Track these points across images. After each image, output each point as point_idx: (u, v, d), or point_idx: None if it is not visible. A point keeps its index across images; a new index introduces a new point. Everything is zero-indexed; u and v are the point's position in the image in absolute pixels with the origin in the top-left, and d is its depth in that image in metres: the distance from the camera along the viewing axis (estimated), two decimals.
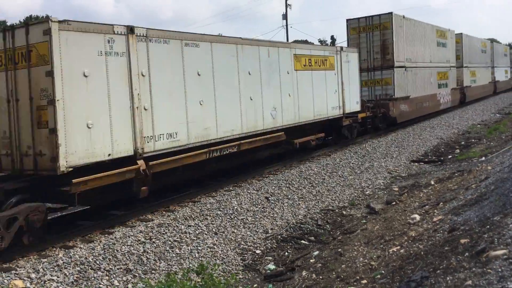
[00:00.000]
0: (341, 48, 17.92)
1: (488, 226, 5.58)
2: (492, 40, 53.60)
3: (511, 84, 55.98)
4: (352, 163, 15.67)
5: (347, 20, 23.77)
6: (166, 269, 7.69)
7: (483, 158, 14.05)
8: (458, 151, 18.30)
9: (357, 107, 18.72)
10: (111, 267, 7.45)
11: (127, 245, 8.13)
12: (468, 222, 6.49)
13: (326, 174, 14.10)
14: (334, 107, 16.64)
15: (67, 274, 7.02)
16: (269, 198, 11.48)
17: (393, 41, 22.77)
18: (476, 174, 11.24)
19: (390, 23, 22.76)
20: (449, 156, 17.15)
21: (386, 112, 21.45)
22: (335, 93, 16.72)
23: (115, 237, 8.35)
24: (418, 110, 25.47)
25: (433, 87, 28.10)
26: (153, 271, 7.57)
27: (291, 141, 14.51)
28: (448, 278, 4.48)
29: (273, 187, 12.26)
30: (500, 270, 4.08)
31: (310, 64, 15.25)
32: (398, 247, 7.22)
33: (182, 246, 8.46)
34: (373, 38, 23.08)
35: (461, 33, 36.74)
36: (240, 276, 7.95)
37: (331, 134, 17.79)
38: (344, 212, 11.26)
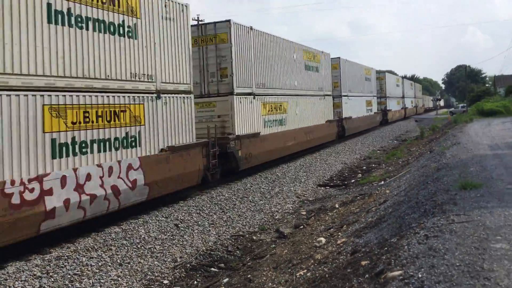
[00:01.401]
0: None
1: (386, 248, 5.89)
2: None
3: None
4: (263, 188, 15.90)
5: None
6: None
7: (382, 182, 14.96)
8: (360, 175, 19.34)
9: None
10: None
11: (21, 280, 7.47)
12: (368, 244, 6.81)
13: (237, 200, 14.14)
14: None
15: None
16: (179, 225, 11.23)
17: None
18: (376, 197, 11.92)
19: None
20: (352, 180, 18.05)
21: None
22: None
23: (7, 272, 7.63)
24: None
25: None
26: None
27: None
28: None
29: (183, 214, 12.03)
30: None
31: None
32: (305, 271, 7.37)
33: (83, 279, 7.93)
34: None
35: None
36: None
37: None
38: (254, 237, 11.31)
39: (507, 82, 64.15)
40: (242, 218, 12.65)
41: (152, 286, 8.31)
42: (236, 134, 16.50)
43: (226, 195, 14.37)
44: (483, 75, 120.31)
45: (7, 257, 8.27)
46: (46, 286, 7.48)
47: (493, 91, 65.62)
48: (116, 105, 10.66)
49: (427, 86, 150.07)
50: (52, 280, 7.70)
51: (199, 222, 11.72)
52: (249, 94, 17.96)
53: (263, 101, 19.03)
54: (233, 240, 11.08)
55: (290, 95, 21.90)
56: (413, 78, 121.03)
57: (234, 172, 16.68)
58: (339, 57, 31.82)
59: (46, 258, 8.32)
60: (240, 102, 17.14)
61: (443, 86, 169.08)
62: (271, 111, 19.84)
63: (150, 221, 11.08)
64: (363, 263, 5.75)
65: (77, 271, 8.12)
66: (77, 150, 9.51)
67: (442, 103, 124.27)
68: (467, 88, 69.48)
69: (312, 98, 24.92)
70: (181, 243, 10.35)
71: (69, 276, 7.91)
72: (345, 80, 32.77)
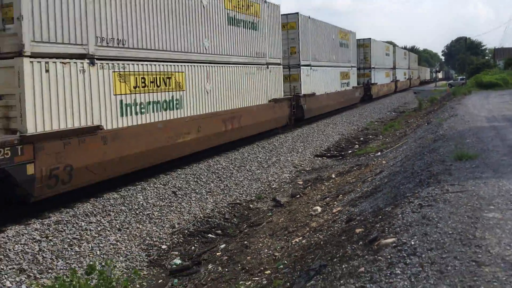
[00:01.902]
0: None
1: (380, 216, 5.99)
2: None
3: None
4: (260, 158, 15.99)
5: None
6: (64, 267, 7.29)
7: (379, 153, 15.05)
8: (357, 146, 19.44)
9: None
10: (2, 267, 6.90)
11: (21, 244, 7.59)
12: (363, 213, 6.92)
13: (234, 169, 14.24)
14: None
15: None
16: (177, 193, 11.34)
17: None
18: (372, 168, 12.02)
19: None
20: (349, 151, 18.15)
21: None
22: None
23: (7, 236, 7.74)
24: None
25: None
26: (49, 270, 7.14)
27: None
28: (343, 266, 4.75)
29: (181, 182, 12.13)
30: (389, 257, 4.40)
31: None
32: (301, 238, 7.51)
33: (82, 243, 8.07)
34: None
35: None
36: (145, 272, 7.78)
37: None
38: (251, 206, 11.46)
39: (507, 55, 63.69)
40: (239, 187, 12.77)
41: (151, 251, 8.46)
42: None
43: (224, 163, 14.46)
44: (483, 48, 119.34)
45: (6, 221, 8.38)
46: (45, 250, 7.60)
47: (492, 64, 65.21)
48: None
49: (427, 58, 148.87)
50: (52, 244, 7.82)
51: (197, 190, 11.83)
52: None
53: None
54: (230, 208, 11.22)
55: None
56: (413, 50, 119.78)
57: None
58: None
59: (45, 223, 8.43)
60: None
61: (443, 58, 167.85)
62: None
63: (148, 188, 11.18)
64: (358, 230, 5.86)
65: (76, 235, 8.25)
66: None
67: (440, 75, 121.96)
68: (466, 60, 69.02)
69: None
70: (179, 210, 10.48)
71: (68, 240, 8.04)
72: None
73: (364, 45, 40.69)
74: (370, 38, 41.54)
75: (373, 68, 41.89)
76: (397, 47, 61.69)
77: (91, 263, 6.69)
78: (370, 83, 41.06)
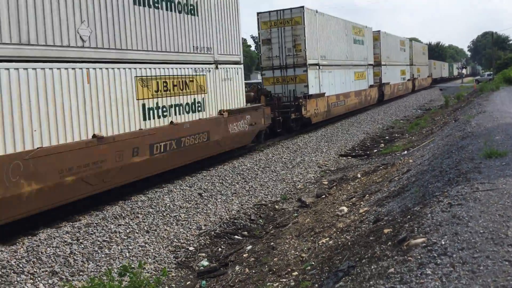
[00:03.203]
0: None
1: (409, 216, 5.92)
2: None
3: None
4: (284, 158, 15.98)
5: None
6: (95, 270, 7.44)
7: (405, 152, 14.85)
8: (382, 145, 19.23)
9: None
10: (35, 270, 7.09)
11: (53, 247, 7.77)
12: (391, 212, 6.84)
13: (259, 169, 14.27)
14: None
15: None
16: (203, 194, 11.43)
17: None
18: (399, 167, 11.87)
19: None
20: (375, 150, 17.97)
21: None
22: None
23: (39, 239, 7.94)
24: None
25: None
26: (81, 273, 7.30)
27: None
28: (372, 267, 4.71)
29: (207, 183, 12.22)
30: (419, 257, 4.34)
31: None
32: (327, 239, 7.48)
33: (112, 246, 8.22)
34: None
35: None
36: (173, 274, 7.87)
37: None
38: (276, 207, 11.46)
39: None
40: (264, 188, 12.79)
41: (178, 252, 8.56)
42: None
43: (248, 165, 14.50)
44: (510, 42, 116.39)
45: (39, 225, 8.60)
46: (76, 252, 7.77)
47: None
48: None
49: (453, 53, 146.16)
50: (82, 246, 7.99)
51: (222, 192, 11.90)
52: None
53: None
54: (255, 209, 11.25)
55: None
56: (438, 46, 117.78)
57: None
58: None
59: (76, 226, 8.62)
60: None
61: (469, 53, 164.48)
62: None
63: (174, 190, 11.30)
64: (386, 231, 5.80)
65: (106, 238, 8.41)
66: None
67: (464, 71, 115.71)
68: (493, 55, 67.43)
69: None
70: (205, 211, 10.56)
71: (98, 243, 8.20)
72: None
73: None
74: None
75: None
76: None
77: (125, 264, 6.81)
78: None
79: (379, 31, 36.41)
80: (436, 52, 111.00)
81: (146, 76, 11.17)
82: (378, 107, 33.50)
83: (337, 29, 25.67)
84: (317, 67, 22.50)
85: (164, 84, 11.85)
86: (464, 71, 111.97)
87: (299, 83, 21.10)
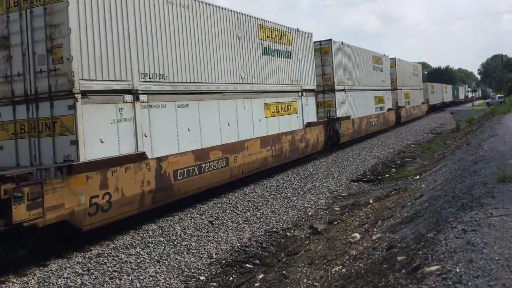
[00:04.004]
0: None
1: (422, 243, 5.82)
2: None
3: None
4: (295, 185, 15.91)
5: None
6: None
7: (418, 177, 14.71)
8: (394, 170, 19.07)
9: None
10: None
11: (64, 278, 7.75)
12: (404, 239, 6.74)
13: (270, 196, 14.20)
14: None
15: None
16: (213, 222, 11.38)
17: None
18: (411, 192, 11.74)
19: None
20: (386, 175, 17.82)
21: None
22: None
23: (51, 270, 7.93)
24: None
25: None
26: None
27: None
28: None
29: (217, 211, 12.18)
30: (434, 285, 4.25)
31: None
32: (340, 267, 7.36)
33: (123, 276, 8.16)
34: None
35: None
36: None
37: None
38: (288, 234, 11.35)
39: None
40: (276, 215, 12.70)
41: (189, 282, 8.47)
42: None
43: (259, 191, 14.45)
44: None
45: (50, 255, 8.60)
46: (87, 283, 7.73)
47: None
48: None
49: (462, 77, 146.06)
50: (93, 277, 7.95)
51: (233, 219, 11.84)
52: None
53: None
54: (267, 236, 11.15)
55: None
56: (447, 70, 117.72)
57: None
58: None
59: (86, 256, 8.60)
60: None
61: (479, 76, 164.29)
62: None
63: (185, 218, 11.27)
64: (399, 258, 5.70)
65: (117, 268, 8.36)
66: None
67: (469, 94, 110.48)
68: (504, 78, 67.25)
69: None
70: (216, 239, 10.49)
71: (109, 273, 8.16)
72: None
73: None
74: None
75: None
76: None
77: None
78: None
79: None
80: (446, 76, 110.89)
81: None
82: (388, 132, 33.41)
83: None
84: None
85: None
86: (473, 94, 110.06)
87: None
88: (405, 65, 37.55)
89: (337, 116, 23.36)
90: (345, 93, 25.01)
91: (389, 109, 34.42)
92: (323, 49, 23.69)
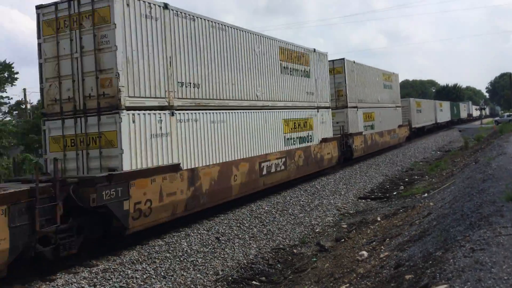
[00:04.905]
0: None
1: (430, 262, 5.77)
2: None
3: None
4: (302, 201, 15.85)
5: None
6: None
7: (426, 194, 14.61)
8: (402, 187, 18.96)
9: None
10: None
11: None
12: (412, 257, 6.68)
13: (277, 213, 14.16)
14: None
15: None
16: (220, 238, 11.35)
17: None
18: (420, 210, 11.65)
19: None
20: (394, 193, 17.71)
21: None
22: None
23: (57, 285, 7.94)
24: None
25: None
26: None
27: None
28: None
29: (224, 227, 12.15)
30: None
31: None
32: (347, 285, 7.29)
33: None
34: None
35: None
36: None
37: None
38: (295, 251, 11.28)
39: None
40: (282, 231, 12.64)
41: None
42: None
43: (266, 208, 14.41)
44: None
45: (56, 270, 8.61)
46: None
47: None
48: None
49: (470, 95, 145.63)
50: None
51: (240, 235, 11.80)
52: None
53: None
54: (273, 253, 11.09)
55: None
56: (455, 88, 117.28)
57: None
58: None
59: (93, 271, 8.60)
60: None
61: (487, 94, 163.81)
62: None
63: (192, 234, 11.26)
64: (407, 277, 5.65)
65: (123, 284, 8.35)
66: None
67: (473, 112, 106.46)
68: (511, 96, 67.01)
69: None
70: (222, 256, 10.45)
71: None
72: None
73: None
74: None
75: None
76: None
77: None
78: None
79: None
80: (454, 93, 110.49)
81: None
82: (396, 150, 33.29)
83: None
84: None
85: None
86: (481, 112, 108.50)
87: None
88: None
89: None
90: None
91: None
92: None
